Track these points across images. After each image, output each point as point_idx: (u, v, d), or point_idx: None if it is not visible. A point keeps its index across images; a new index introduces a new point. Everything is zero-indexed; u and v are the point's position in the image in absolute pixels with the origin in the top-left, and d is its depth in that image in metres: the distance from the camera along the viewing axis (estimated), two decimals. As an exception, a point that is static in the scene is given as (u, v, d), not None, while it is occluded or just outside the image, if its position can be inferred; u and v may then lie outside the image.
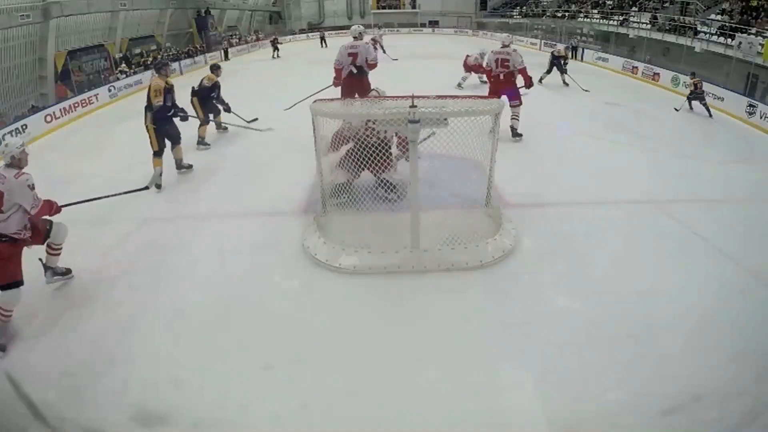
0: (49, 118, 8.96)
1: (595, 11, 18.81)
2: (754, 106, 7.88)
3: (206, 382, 2.50)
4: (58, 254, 3.39)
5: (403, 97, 3.29)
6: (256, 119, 7.58)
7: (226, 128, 7.22)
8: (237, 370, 2.58)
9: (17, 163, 3.03)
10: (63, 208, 3.36)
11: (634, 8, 16.73)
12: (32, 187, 2.99)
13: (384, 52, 14.25)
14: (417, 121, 3.06)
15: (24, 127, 8.18)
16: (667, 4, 15.56)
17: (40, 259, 3.34)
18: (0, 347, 2.87)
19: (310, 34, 26.53)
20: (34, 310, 3.14)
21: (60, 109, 9.39)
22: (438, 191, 4.15)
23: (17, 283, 2.92)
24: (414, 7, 30.38)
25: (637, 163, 5.59)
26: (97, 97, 10.71)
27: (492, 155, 3.74)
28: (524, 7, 25.66)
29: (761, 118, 7.68)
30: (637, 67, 12.29)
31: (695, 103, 8.40)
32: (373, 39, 14.83)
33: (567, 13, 20.95)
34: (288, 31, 28.05)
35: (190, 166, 5.56)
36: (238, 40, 23.16)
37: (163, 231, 4.17)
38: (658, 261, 3.56)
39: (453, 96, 3.56)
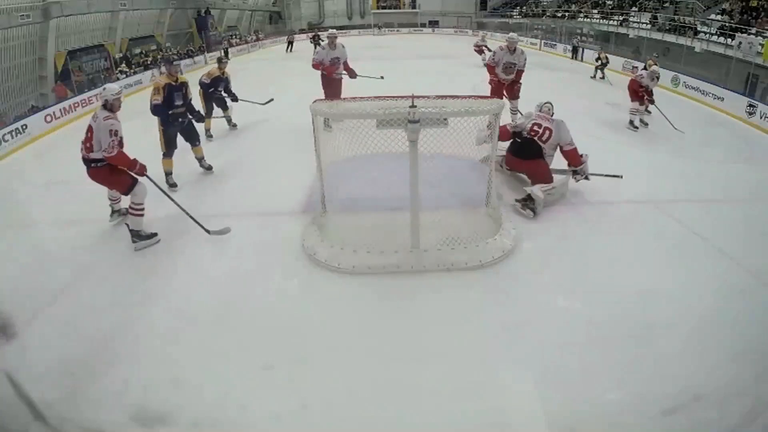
0: (49, 118, 8.95)
1: (595, 11, 18.81)
2: (754, 106, 7.89)
3: (206, 382, 2.50)
4: (141, 215, 3.83)
5: (403, 97, 3.28)
6: (271, 99, 7.78)
7: (235, 125, 7.24)
8: (237, 370, 2.58)
9: (110, 107, 3.62)
10: (143, 177, 3.83)
11: (634, 8, 16.73)
12: (112, 133, 3.53)
13: (489, 49, 14.20)
14: (417, 121, 3.06)
15: (24, 127, 8.16)
16: (666, 4, 15.56)
17: (127, 224, 3.88)
18: (150, 235, 3.85)
19: (310, 35, 26.57)
20: (34, 310, 3.14)
21: (60, 109, 9.38)
22: (438, 191, 4.15)
23: (134, 183, 3.73)
24: (414, 7, 30.39)
25: (637, 163, 5.59)
26: (97, 97, 10.71)
27: (492, 155, 3.74)
28: (524, 7, 25.67)
29: (761, 118, 7.68)
30: (637, 67, 12.25)
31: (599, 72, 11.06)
32: (479, 45, 14.18)
33: (567, 13, 20.95)
34: (288, 31, 28.04)
35: (210, 167, 5.44)
36: (238, 40, 23.16)
37: (164, 231, 4.16)
38: (658, 261, 3.57)
39: (453, 96, 3.56)
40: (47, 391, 2.36)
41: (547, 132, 4.42)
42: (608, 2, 18.84)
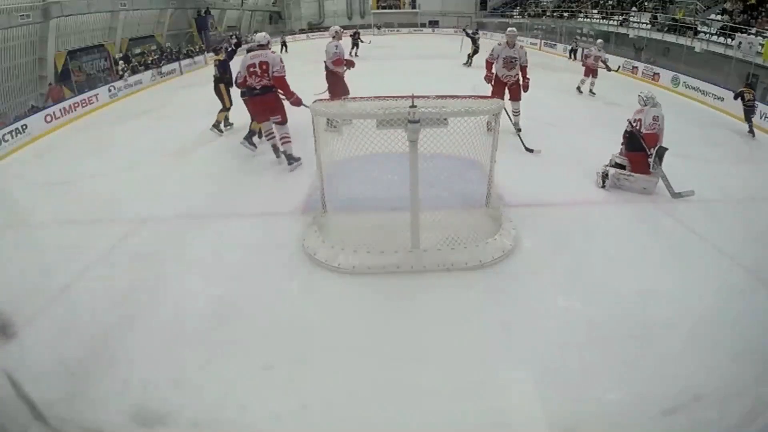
0: (49, 118, 8.96)
1: (595, 11, 18.82)
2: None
3: (206, 382, 2.50)
4: (289, 141, 5.15)
5: (403, 97, 3.28)
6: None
7: (231, 124, 7.24)
8: (237, 370, 2.58)
9: (269, 45, 4.98)
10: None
11: (634, 8, 16.73)
12: (281, 60, 4.87)
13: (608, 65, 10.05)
14: (417, 121, 3.06)
15: (24, 127, 8.17)
16: (666, 4, 15.55)
17: (284, 152, 5.18)
18: (297, 158, 5.17)
19: (310, 34, 26.62)
20: (34, 310, 3.14)
21: (60, 109, 9.38)
22: (438, 191, 4.15)
23: (286, 120, 5.09)
24: (414, 7, 30.38)
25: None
26: (97, 97, 10.71)
27: (492, 155, 3.74)
28: (524, 6, 25.69)
29: (761, 118, 7.68)
30: (637, 67, 12.28)
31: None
32: (595, 57, 9.52)
33: (567, 13, 20.95)
34: (288, 31, 28.04)
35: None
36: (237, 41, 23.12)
37: (163, 231, 4.17)
38: (658, 261, 3.57)
39: (453, 96, 3.56)
40: (47, 391, 2.36)
41: (638, 122, 4.80)
42: (608, 2, 18.84)
